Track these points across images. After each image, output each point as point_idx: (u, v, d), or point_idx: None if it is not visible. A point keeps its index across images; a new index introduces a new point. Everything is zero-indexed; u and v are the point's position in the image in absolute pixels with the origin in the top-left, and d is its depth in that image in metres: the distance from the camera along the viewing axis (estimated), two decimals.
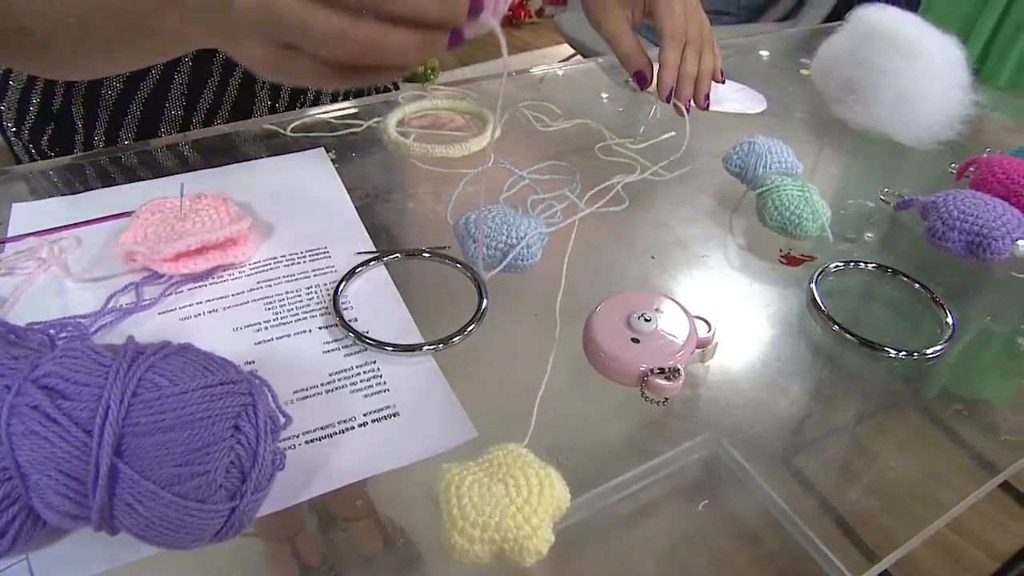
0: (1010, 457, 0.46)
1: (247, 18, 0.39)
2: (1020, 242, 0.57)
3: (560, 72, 0.91)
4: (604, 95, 0.86)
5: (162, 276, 0.51)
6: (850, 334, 0.51)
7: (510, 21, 4.27)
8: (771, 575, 0.40)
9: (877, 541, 0.41)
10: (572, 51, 3.13)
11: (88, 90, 0.68)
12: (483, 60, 3.85)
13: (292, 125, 0.69)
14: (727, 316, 0.52)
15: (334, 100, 0.80)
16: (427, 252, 0.54)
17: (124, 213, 0.57)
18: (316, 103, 0.77)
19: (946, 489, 0.44)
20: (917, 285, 0.57)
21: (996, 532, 1.54)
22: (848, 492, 0.44)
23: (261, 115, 0.73)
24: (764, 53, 1.08)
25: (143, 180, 0.62)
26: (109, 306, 0.49)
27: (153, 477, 0.31)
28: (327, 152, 0.67)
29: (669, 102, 0.69)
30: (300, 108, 0.76)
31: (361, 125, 0.70)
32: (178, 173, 0.62)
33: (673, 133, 0.73)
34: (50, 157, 0.69)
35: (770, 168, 0.62)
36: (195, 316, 0.49)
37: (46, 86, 0.68)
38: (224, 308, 0.50)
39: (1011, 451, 0.47)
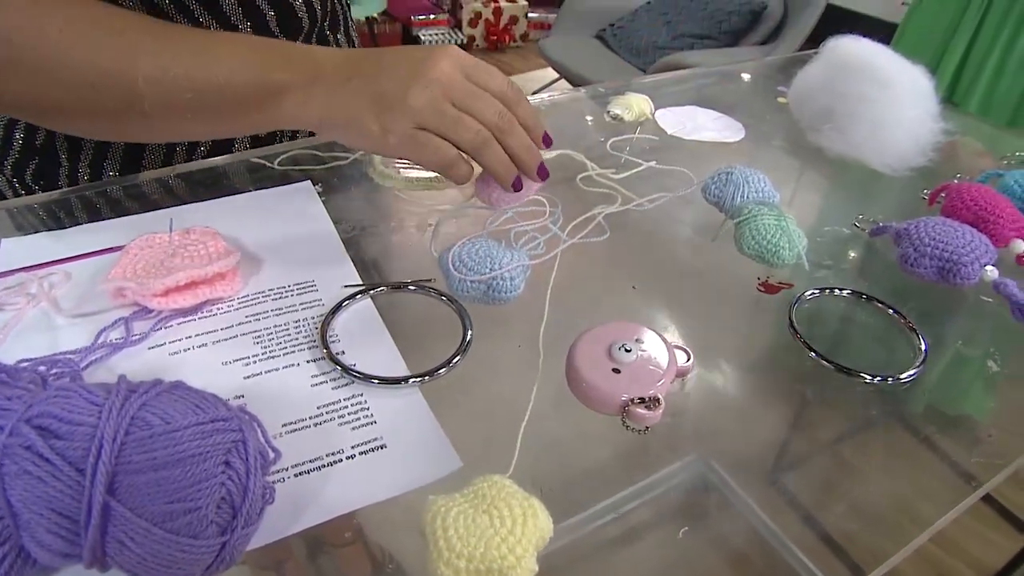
0: (987, 474, 0.48)
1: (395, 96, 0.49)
2: (988, 268, 0.59)
3: (546, 103, 0.93)
4: (589, 118, 0.88)
5: (151, 311, 0.52)
6: (826, 361, 0.53)
7: (496, 46, 4.32)
8: None
9: (862, 557, 0.42)
10: (556, 75, 3.18)
11: None
12: None
13: (279, 158, 0.70)
14: (707, 344, 0.54)
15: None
16: (412, 285, 0.55)
17: (113, 248, 0.58)
18: (295, 136, 0.78)
19: (928, 504, 0.46)
20: (891, 311, 0.58)
21: (980, 545, 1.56)
22: (831, 511, 0.45)
23: (242, 145, 0.75)
24: (746, 76, 1.11)
25: (131, 214, 0.63)
26: (99, 341, 0.49)
27: (145, 514, 0.32)
28: (314, 184, 0.68)
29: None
30: (280, 140, 0.77)
31: (347, 158, 0.71)
32: (166, 206, 0.63)
33: (654, 162, 0.74)
34: (34, 191, 0.70)
35: (747, 197, 0.64)
36: (184, 351, 0.50)
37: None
38: (213, 342, 0.50)
39: (986, 469, 0.48)
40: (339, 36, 0.80)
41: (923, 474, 0.49)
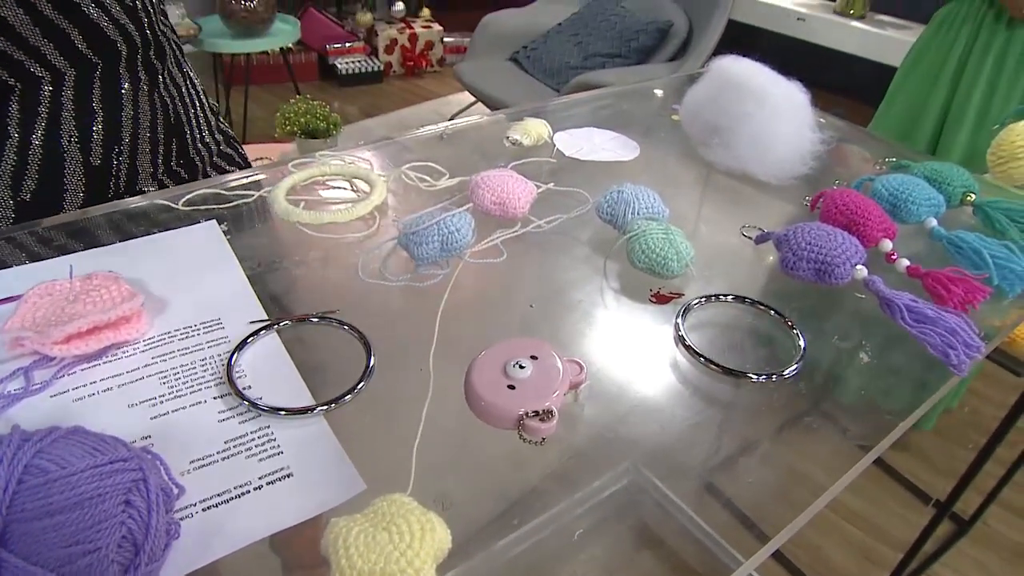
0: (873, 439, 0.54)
1: None
2: (859, 267, 0.64)
3: (448, 132, 0.96)
4: (488, 151, 0.91)
5: (53, 359, 0.52)
6: (715, 365, 0.56)
7: (413, 71, 4.35)
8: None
9: (768, 528, 0.47)
10: (472, 98, 3.23)
11: None
12: (388, 111, 3.90)
13: (184, 198, 0.71)
14: (602, 356, 0.57)
15: (221, 172, 0.81)
16: (315, 317, 0.57)
17: (9, 298, 0.57)
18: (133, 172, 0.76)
19: (826, 476, 0.50)
20: (772, 312, 0.63)
21: (899, 526, 1.64)
22: (738, 490, 0.50)
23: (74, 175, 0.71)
24: (645, 95, 1.16)
25: (28, 263, 0.62)
26: None
27: (42, 561, 0.33)
28: (219, 224, 0.69)
29: None
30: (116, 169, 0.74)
31: (252, 195, 0.73)
32: (66, 254, 0.63)
33: (552, 184, 0.78)
34: None
35: (638, 213, 0.68)
36: (89, 396, 0.50)
37: None
38: (119, 386, 0.51)
39: (858, 450, 0.53)
40: (169, 66, 0.79)
41: (817, 454, 0.53)
